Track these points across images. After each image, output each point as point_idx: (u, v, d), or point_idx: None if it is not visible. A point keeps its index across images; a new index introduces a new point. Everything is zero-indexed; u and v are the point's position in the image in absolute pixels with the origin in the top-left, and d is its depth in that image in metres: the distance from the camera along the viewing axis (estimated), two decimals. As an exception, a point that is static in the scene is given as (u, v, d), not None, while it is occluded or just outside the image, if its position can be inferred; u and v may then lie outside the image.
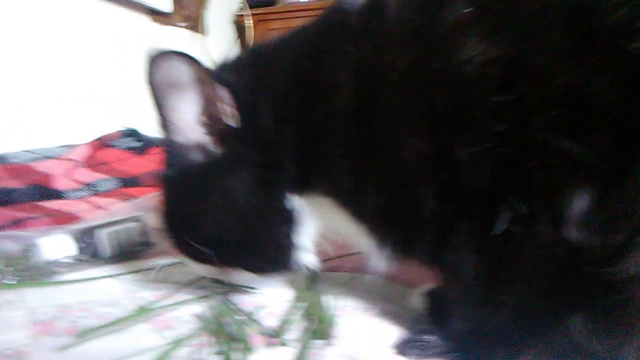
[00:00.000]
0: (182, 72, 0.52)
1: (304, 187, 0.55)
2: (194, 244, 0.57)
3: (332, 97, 0.49)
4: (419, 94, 0.44)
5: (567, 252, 0.39)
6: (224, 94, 0.54)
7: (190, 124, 0.55)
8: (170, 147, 0.57)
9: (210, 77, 0.53)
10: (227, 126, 0.55)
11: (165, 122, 0.55)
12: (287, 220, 0.57)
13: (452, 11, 0.42)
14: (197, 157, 0.56)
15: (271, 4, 2.94)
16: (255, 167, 0.55)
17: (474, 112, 0.41)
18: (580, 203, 0.38)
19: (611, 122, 0.37)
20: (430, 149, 0.43)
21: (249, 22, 2.64)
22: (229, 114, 0.55)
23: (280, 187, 0.55)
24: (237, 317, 0.55)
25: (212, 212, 0.56)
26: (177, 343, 0.49)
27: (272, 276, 0.63)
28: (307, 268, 0.62)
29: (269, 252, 0.58)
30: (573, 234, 0.38)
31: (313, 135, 0.51)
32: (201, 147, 0.56)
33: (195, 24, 2.45)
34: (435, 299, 0.58)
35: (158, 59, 0.52)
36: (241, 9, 2.80)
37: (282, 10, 2.86)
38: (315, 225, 0.59)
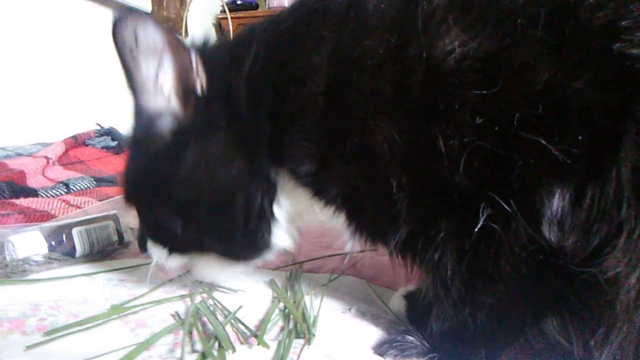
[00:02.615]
0: (151, 33, 0.51)
1: (277, 164, 0.54)
2: (159, 212, 0.56)
3: (305, 81, 0.48)
4: (395, 81, 0.43)
5: (544, 251, 0.39)
6: (193, 58, 0.53)
7: (158, 88, 0.54)
8: (138, 111, 0.55)
9: (179, 42, 0.53)
10: (196, 92, 0.54)
11: (133, 86, 0.53)
12: (265, 189, 0.55)
13: (433, 1, 0.42)
14: (166, 121, 0.55)
15: (254, 9, 2.93)
16: (228, 132, 0.54)
17: (452, 104, 0.40)
18: (556, 203, 0.38)
19: (587, 122, 0.37)
20: (404, 138, 0.43)
21: (230, 25, 2.63)
22: (198, 80, 0.54)
23: (257, 156, 0.54)
24: (216, 316, 0.54)
25: (183, 176, 0.54)
26: (148, 341, 0.48)
27: (243, 259, 0.60)
28: (283, 249, 0.61)
29: (241, 222, 0.56)
30: (549, 233, 0.39)
31: (281, 117, 0.51)
32: (169, 112, 0.55)
33: (175, 25, 2.43)
34: (414, 300, 0.58)
35: (127, 19, 0.50)
36: (222, 11, 2.78)
37: (263, 14, 2.86)
38: (287, 204, 0.58)
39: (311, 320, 0.54)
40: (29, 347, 0.46)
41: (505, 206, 0.39)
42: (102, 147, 1.50)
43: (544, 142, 0.37)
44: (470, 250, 0.42)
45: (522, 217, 0.39)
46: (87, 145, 1.50)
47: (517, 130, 0.38)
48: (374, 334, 0.54)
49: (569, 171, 0.38)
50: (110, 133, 1.57)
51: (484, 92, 0.39)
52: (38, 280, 0.65)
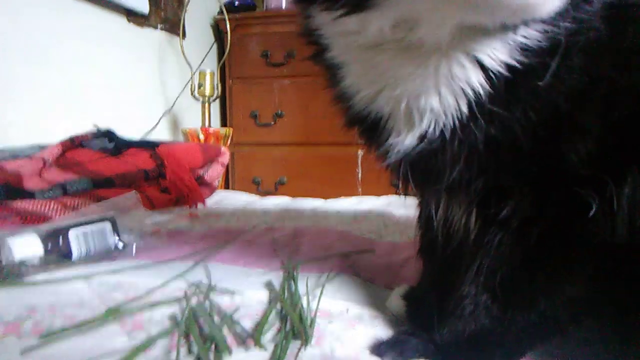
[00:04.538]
0: None
1: None
2: None
3: None
4: None
5: (618, 254, 0.38)
6: None
7: None
8: None
9: None
10: None
11: None
12: None
13: None
14: None
15: (251, 10, 2.93)
16: None
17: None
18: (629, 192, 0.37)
19: None
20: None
21: (227, 26, 2.62)
22: None
23: None
24: (213, 318, 0.54)
25: None
26: (145, 344, 0.48)
27: None
28: None
29: None
30: (622, 227, 0.37)
31: None
32: None
33: (173, 26, 2.43)
34: (414, 300, 0.58)
35: None
36: (219, 13, 2.78)
37: (261, 15, 2.85)
38: None
39: (308, 321, 0.54)
40: (24, 351, 0.46)
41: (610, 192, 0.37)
42: (99, 149, 1.48)
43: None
44: (543, 242, 0.40)
45: (603, 206, 0.37)
46: (83, 147, 1.49)
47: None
48: (371, 334, 0.53)
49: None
50: (107, 135, 1.56)
51: None
52: (34, 282, 0.65)
